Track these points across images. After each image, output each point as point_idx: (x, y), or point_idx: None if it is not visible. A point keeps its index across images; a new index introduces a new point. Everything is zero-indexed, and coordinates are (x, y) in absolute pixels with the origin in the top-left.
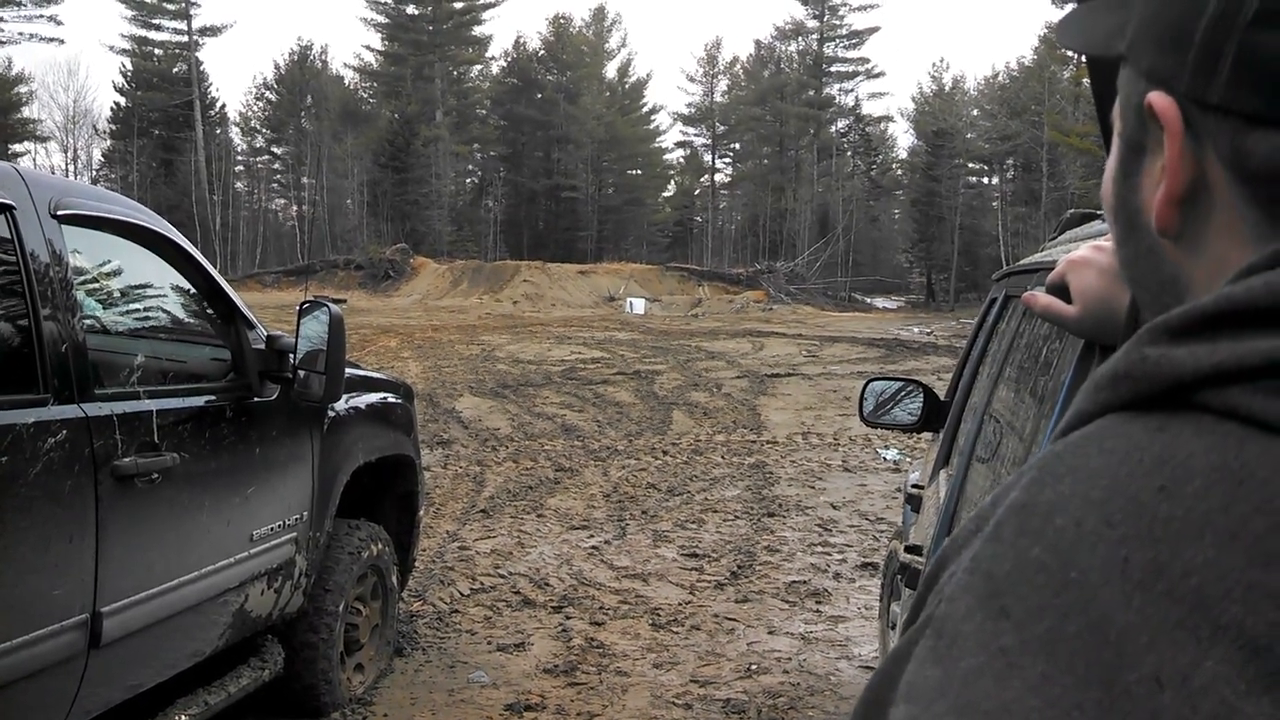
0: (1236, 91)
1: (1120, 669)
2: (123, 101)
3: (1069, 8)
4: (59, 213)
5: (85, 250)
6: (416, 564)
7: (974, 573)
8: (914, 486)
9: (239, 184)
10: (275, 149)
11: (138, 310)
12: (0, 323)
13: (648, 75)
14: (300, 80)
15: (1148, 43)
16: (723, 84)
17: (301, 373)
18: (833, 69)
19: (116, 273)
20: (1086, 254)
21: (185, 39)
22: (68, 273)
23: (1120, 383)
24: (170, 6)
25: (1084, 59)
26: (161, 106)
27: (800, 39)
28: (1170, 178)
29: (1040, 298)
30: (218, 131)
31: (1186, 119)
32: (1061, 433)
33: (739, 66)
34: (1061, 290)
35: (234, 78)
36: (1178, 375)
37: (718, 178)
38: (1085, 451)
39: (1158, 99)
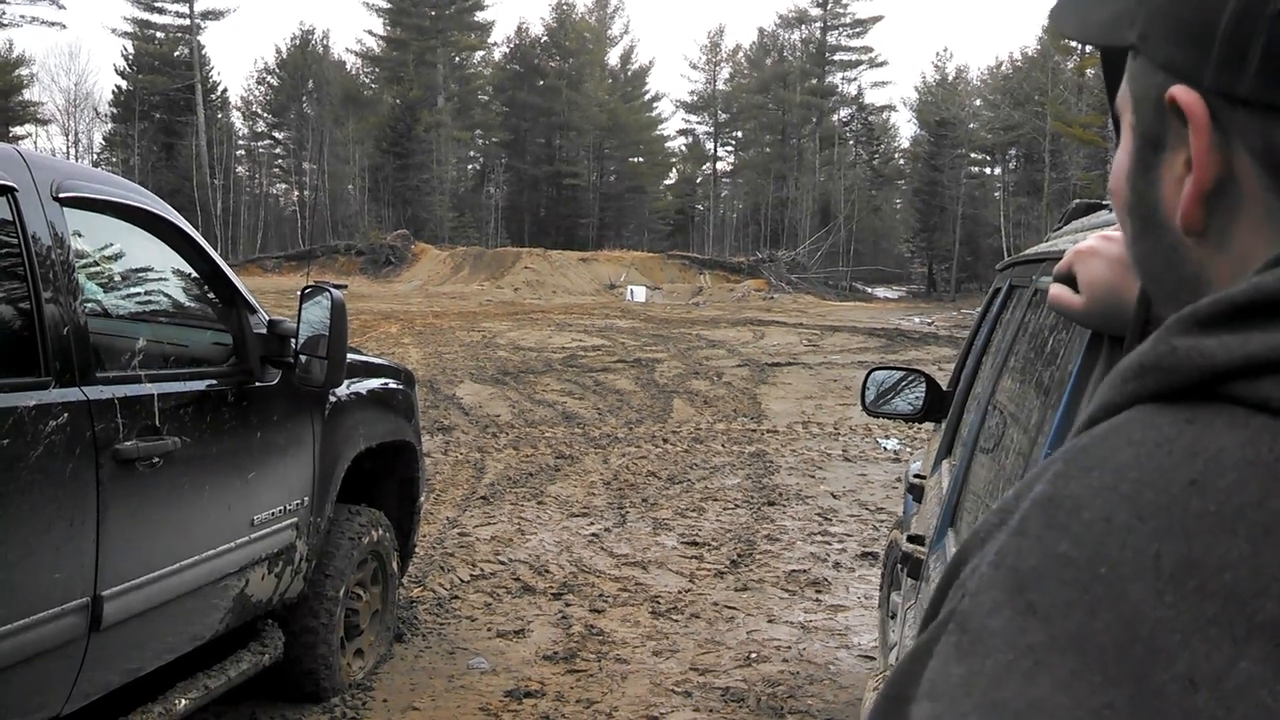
0: (1267, 85)
1: (1153, 667)
2: (124, 85)
3: None
4: (61, 195)
5: (87, 233)
6: (417, 550)
7: (999, 567)
8: (916, 476)
9: (240, 168)
10: (277, 134)
11: (139, 294)
12: (2, 305)
13: (650, 62)
14: (302, 65)
15: (1164, 34)
16: (725, 71)
17: (303, 358)
18: (836, 57)
19: (118, 256)
20: (1094, 244)
21: (187, 22)
22: (69, 255)
23: (1148, 374)
24: None
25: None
26: (163, 90)
27: (803, 27)
28: (1198, 174)
29: (1051, 288)
30: (219, 116)
31: (1212, 113)
32: (1086, 424)
33: (742, 54)
34: (1069, 280)
35: (236, 62)
36: (1209, 366)
37: (719, 166)
38: (1113, 444)
39: (1182, 94)
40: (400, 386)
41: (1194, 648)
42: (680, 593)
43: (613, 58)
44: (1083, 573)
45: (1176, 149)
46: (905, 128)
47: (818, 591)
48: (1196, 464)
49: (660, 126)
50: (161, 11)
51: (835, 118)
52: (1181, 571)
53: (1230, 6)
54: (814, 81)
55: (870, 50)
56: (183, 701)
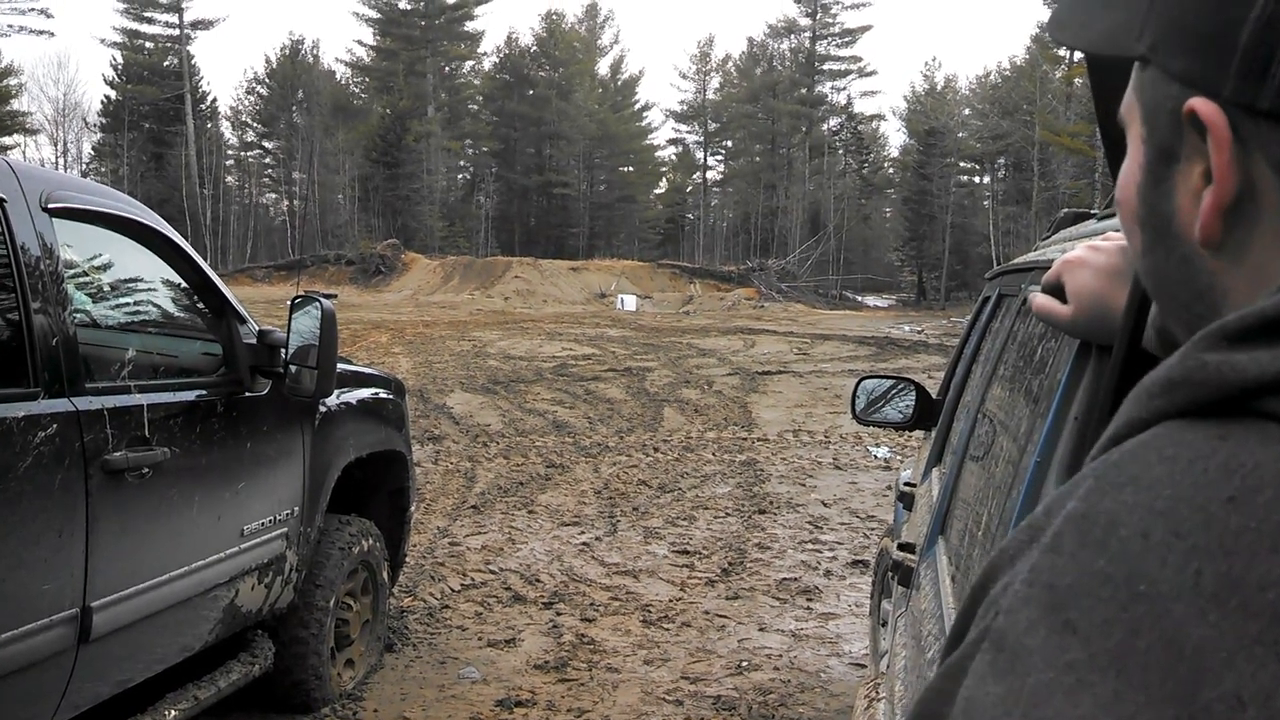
0: None
1: (1198, 686)
2: (113, 95)
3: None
4: (50, 206)
5: (76, 244)
6: (407, 560)
7: (1034, 585)
8: (906, 484)
9: (230, 178)
10: (266, 143)
11: (129, 304)
12: None
13: (640, 72)
14: (292, 75)
15: (1179, 45)
16: (715, 81)
17: (293, 368)
18: (825, 67)
19: (107, 266)
20: (1082, 254)
21: (177, 32)
22: (59, 266)
23: (1177, 389)
24: (162, 0)
25: (1083, 56)
26: (152, 100)
27: (793, 37)
28: (1219, 187)
29: (1036, 298)
30: (209, 125)
31: (1232, 125)
32: (1110, 441)
33: (731, 64)
34: (1057, 290)
35: (225, 72)
36: (1241, 381)
37: (709, 175)
38: (1145, 460)
39: (1202, 106)
40: (390, 396)
41: (1239, 667)
42: (671, 601)
43: (602, 67)
44: (1121, 590)
45: (1192, 160)
46: (894, 137)
47: (809, 600)
48: (1233, 481)
49: (650, 136)
50: (151, 21)
51: (825, 127)
52: (1223, 590)
53: (1253, 17)
54: (803, 91)
55: (859, 60)
56: (172, 713)
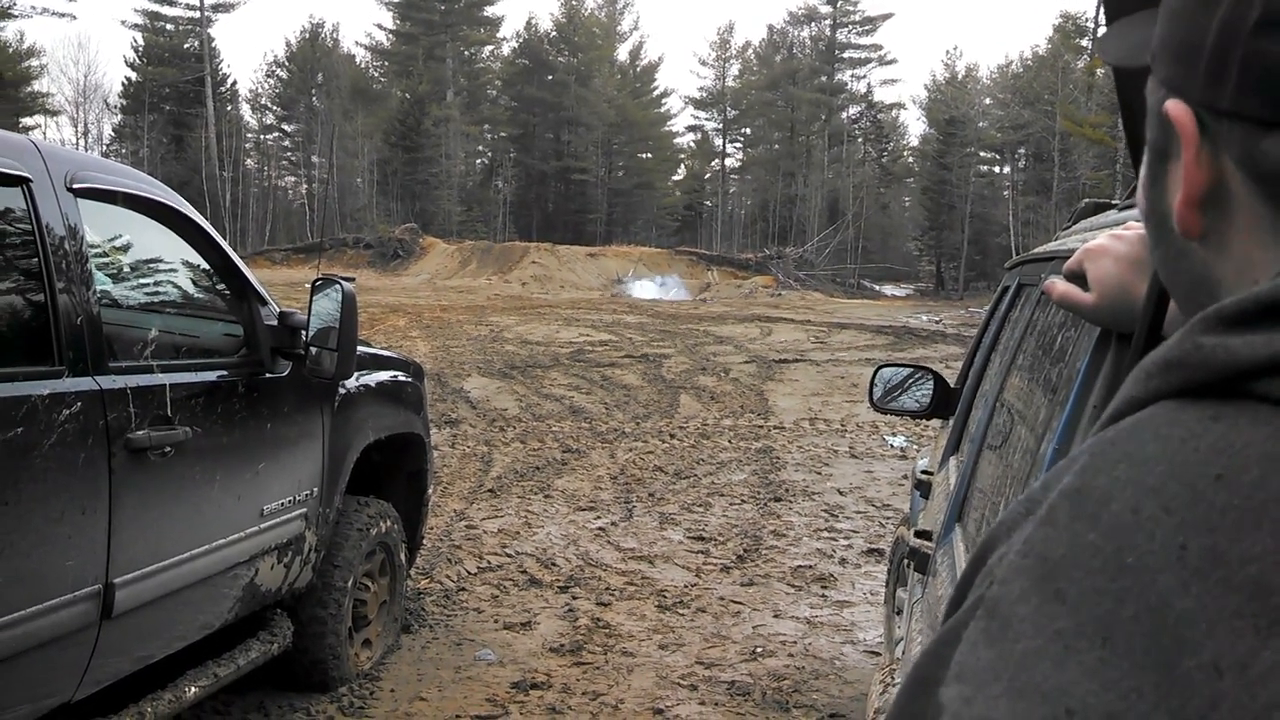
0: (1245, 97)
1: (1179, 655)
2: (134, 77)
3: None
4: (75, 186)
5: (100, 224)
6: (424, 542)
7: (1027, 555)
8: (923, 473)
9: (249, 161)
10: (286, 126)
11: (151, 284)
12: (16, 295)
13: (659, 58)
14: (311, 58)
15: (1165, 53)
16: (735, 68)
17: (313, 349)
18: (845, 55)
19: (131, 246)
20: (1104, 242)
21: (197, 15)
22: (83, 246)
23: (1173, 370)
24: None
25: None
26: (173, 82)
27: (813, 24)
28: (1186, 183)
29: (1058, 285)
30: (228, 108)
31: (1202, 125)
32: (1110, 419)
33: (751, 51)
34: (1079, 278)
35: (245, 54)
36: (1234, 364)
37: (728, 162)
38: (1139, 438)
39: (1173, 107)
40: (409, 379)
41: (1219, 637)
42: (686, 587)
43: (622, 53)
44: (1110, 562)
45: (1179, 160)
46: (914, 126)
47: (824, 587)
48: (1221, 459)
49: (669, 123)
50: (172, 3)
51: (844, 115)
52: (1207, 564)
53: (1214, 26)
54: (823, 79)
55: (880, 48)
56: (192, 689)
